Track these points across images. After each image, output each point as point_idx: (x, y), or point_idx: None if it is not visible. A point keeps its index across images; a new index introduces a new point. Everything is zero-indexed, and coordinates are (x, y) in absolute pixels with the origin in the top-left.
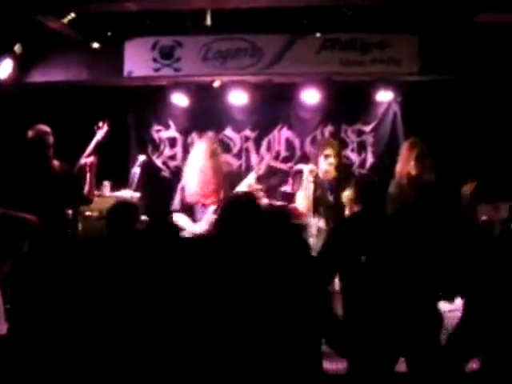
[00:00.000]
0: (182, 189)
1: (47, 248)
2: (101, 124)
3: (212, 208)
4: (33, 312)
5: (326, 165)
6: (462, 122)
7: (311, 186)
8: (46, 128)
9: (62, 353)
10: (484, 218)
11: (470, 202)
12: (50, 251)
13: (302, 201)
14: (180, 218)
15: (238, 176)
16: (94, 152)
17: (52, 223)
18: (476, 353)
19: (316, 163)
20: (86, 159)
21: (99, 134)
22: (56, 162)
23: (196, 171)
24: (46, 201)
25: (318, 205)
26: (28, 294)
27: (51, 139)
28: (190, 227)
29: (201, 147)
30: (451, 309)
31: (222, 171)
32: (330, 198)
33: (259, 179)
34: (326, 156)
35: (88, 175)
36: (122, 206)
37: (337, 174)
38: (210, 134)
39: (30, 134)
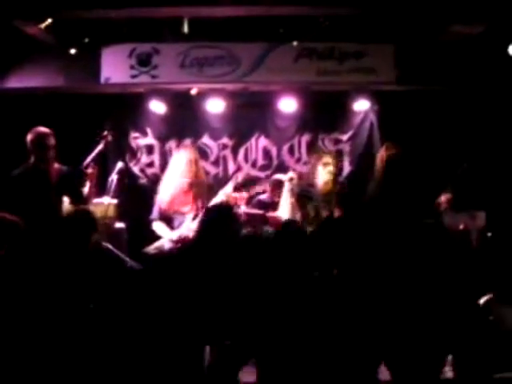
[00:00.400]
0: (159, 198)
1: (27, 252)
2: (104, 133)
3: (190, 215)
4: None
5: (325, 174)
6: (438, 131)
7: (289, 195)
8: (46, 129)
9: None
10: (461, 226)
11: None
12: (29, 256)
13: (285, 210)
14: (158, 227)
15: (211, 186)
16: (95, 162)
17: (44, 227)
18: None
19: (314, 174)
20: (86, 170)
21: (102, 144)
22: (56, 165)
23: (175, 180)
24: (41, 204)
25: (308, 221)
26: (8, 299)
27: (52, 140)
28: (167, 235)
29: (180, 157)
30: None
31: (201, 180)
32: (324, 213)
33: (237, 188)
34: (325, 164)
35: (88, 184)
36: (80, 213)
37: (333, 186)
38: (189, 142)
39: (30, 135)
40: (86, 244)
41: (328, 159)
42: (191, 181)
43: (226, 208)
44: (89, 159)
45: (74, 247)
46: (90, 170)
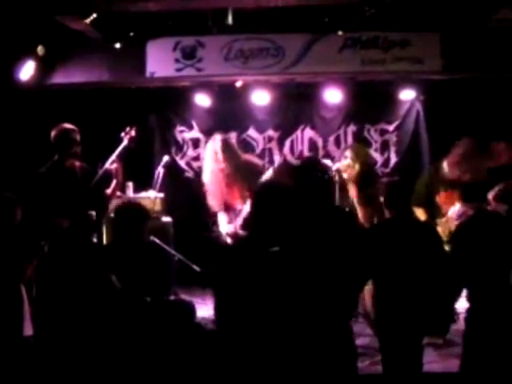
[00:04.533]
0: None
1: (68, 249)
2: (128, 129)
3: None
4: (57, 313)
5: (343, 166)
6: (485, 120)
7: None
8: (71, 126)
9: (85, 352)
10: None
11: None
12: (71, 253)
13: None
14: (220, 219)
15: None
16: (120, 158)
17: (73, 223)
18: None
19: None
20: (111, 165)
21: (126, 140)
22: (77, 163)
23: (208, 172)
24: (67, 200)
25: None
26: (52, 296)
27: (77, 137)
28: (223, 228)
29: (207, 149)
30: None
31: (238, 171)
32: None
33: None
34: (345, 157)
35: (114, 181)
36: (130, 207)
37: (353, 177)
38: (217, 134)
39: (55, 131)
40: (138, 236)
41: (348, 153)
42: (222, 171)
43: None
44: (113, 156)
45: (126, 239)
46: (115, 166)
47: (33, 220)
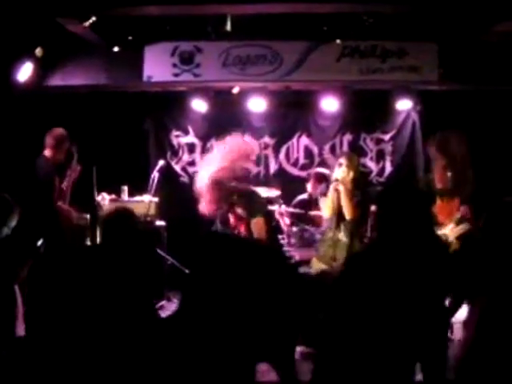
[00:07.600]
0: None
1: (63, 251)
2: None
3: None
4: (49, 314)
5: (338, 173)
6: (481, 131)
7: (334, 194)
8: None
9: (77, 354)
10: None
11: None
12: (65, 255)
13: (326, 207)
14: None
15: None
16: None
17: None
18: None
19: (332, 174)
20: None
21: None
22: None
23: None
24: None
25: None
26: (45, 297)
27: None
28: None
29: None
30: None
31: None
32: None
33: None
34: (340, 165)
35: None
36: (120, 214)
37: (350, 185)
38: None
39: (61, 133)
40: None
41: (342, 160)
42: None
43: None
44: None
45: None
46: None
47: (29, 221)
